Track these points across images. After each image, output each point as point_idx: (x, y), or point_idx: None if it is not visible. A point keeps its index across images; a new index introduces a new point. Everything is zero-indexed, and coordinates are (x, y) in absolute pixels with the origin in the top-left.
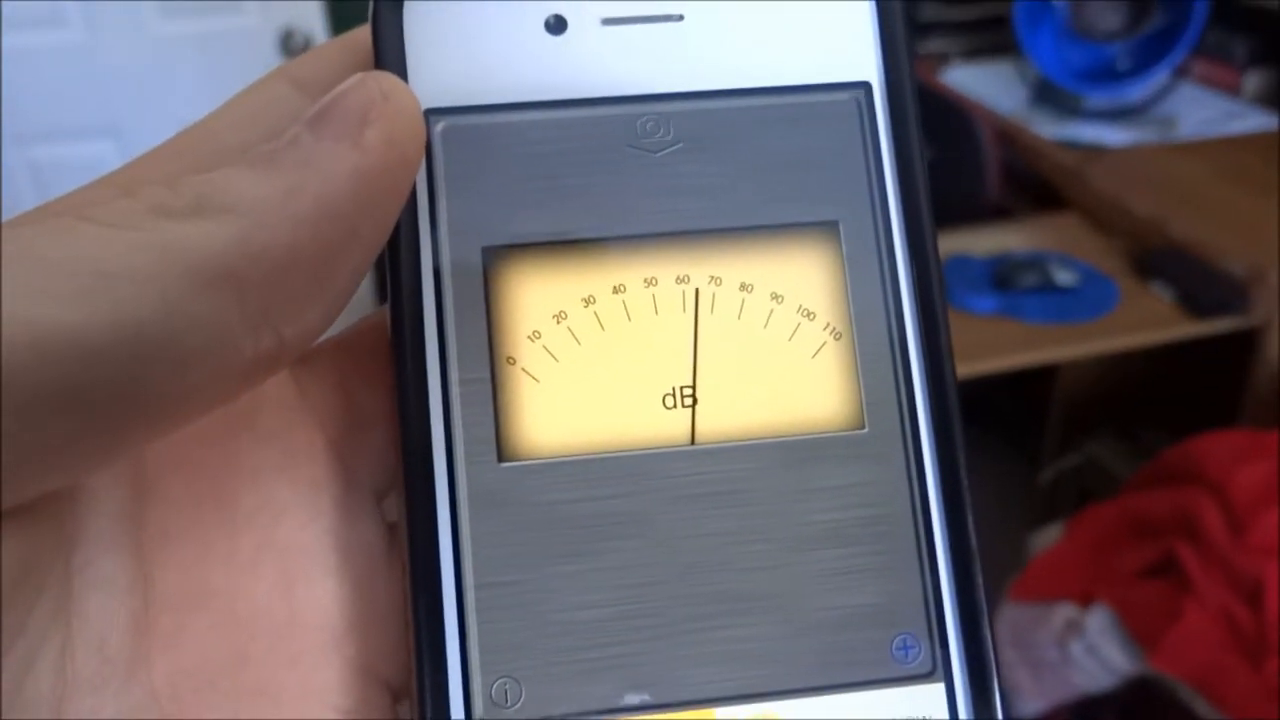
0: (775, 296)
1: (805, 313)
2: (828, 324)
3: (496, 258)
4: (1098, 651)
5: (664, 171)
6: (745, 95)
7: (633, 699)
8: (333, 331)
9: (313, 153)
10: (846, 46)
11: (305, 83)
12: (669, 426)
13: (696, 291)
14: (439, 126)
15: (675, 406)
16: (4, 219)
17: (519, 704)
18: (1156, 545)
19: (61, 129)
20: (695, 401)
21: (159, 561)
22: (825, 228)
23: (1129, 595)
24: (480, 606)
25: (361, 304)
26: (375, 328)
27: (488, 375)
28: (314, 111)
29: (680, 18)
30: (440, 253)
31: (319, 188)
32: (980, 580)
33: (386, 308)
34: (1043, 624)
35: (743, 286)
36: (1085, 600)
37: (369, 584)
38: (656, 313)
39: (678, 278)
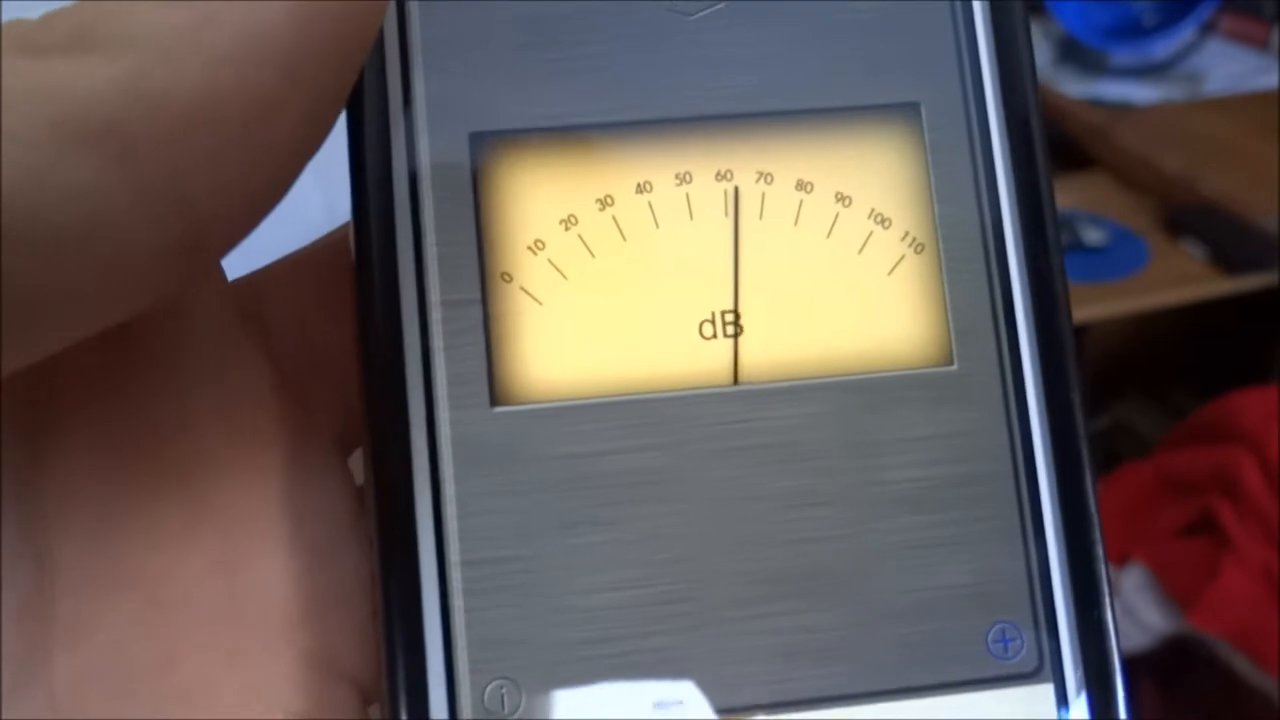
0: (841, 198)
1: (879, 218)
2: (906, 233)
3: (488, 147)
4: (1134, 611)
5: (701, 38)
6: None
7: (664, 707)
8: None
9: None
10: None
11: None
12: (707, 362)
13: (739, 190)
14: None
15: (715, 336)
16: None
17: (518, 712)
18: (1193, 503)
19: None
20: (739, 330)
21: (60, 534)
22: (903, 111)
23: (1166, 554)
24: (468, 589)
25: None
26: (339, 243)
27: (478, 296)
28: None
29: None
30: (416, 141)
31: (246, 19)
32: (1102, 555)
33: (349, 214)
34: None
35: (800, 185)
36: (1120, 560)
37: (330, 558)
38: (691, 217)
39: (718, 173)
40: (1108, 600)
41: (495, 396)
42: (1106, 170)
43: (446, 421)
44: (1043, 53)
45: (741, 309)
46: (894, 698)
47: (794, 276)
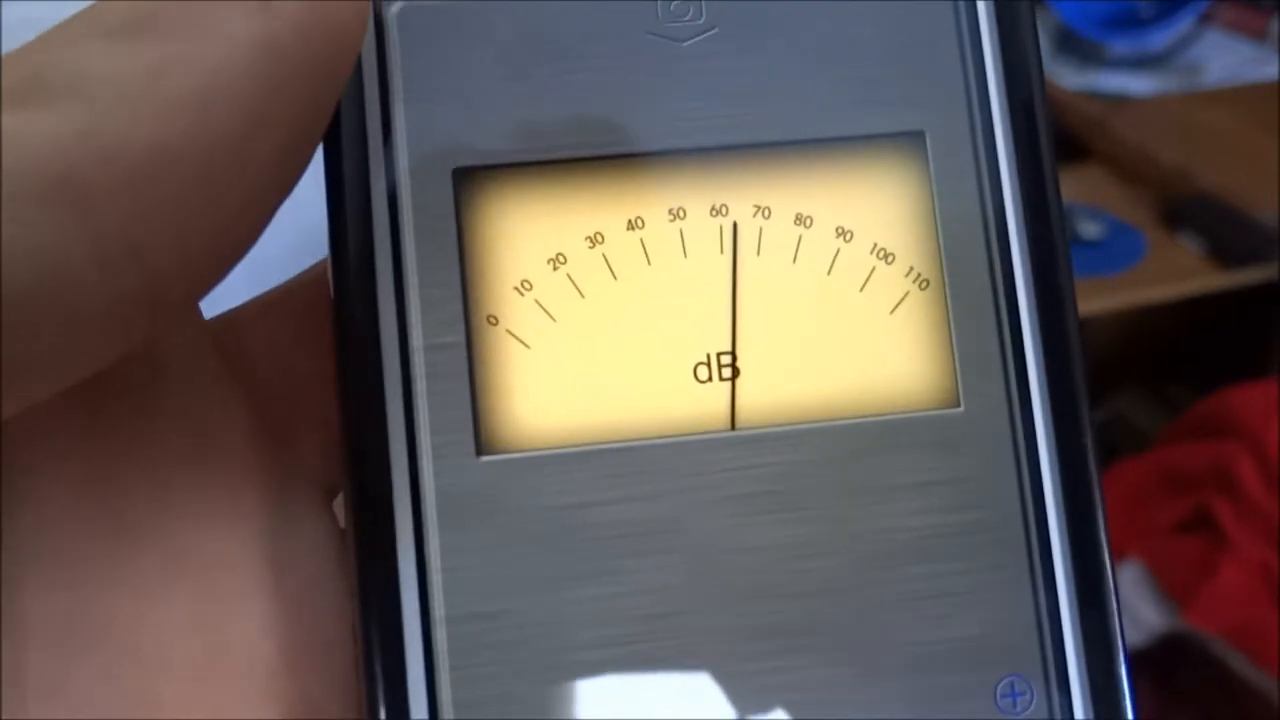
0: (842, 232)
1: (881, 253)
2: (910, 268)
3: (472, 183)
4: (1130, 607)
5: (693, 66)
6: None
7: None
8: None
9: (200, 16)
10: None
11: None
12: (702, 406)
13: (736, 226)
14: (395, 7)
15: (711, 379)
16: None
17: None
18: (1190, 500)
19: None
20: (736, 373)
21: (32, 586)
22: (907, 141)
23: (1162, 550)
24: (454, 648)
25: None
26: (319, 280)
27: (462, 339)
28: None
29: None
30: (397, 177)
31: (205, 61)
32: (1115, 606)
33: (327, 253)
34: None
35: (799, 219)
36: (1117, 556)
37: (311, 606)
38: (685, 255)
39: (713, 208)
40: (1121, 653)
41: (481, 445)
42: (1103, 162)
43: (430, 472)
44: (1040, 44)
45: (738, 350)
46: None
47: (793, 316)
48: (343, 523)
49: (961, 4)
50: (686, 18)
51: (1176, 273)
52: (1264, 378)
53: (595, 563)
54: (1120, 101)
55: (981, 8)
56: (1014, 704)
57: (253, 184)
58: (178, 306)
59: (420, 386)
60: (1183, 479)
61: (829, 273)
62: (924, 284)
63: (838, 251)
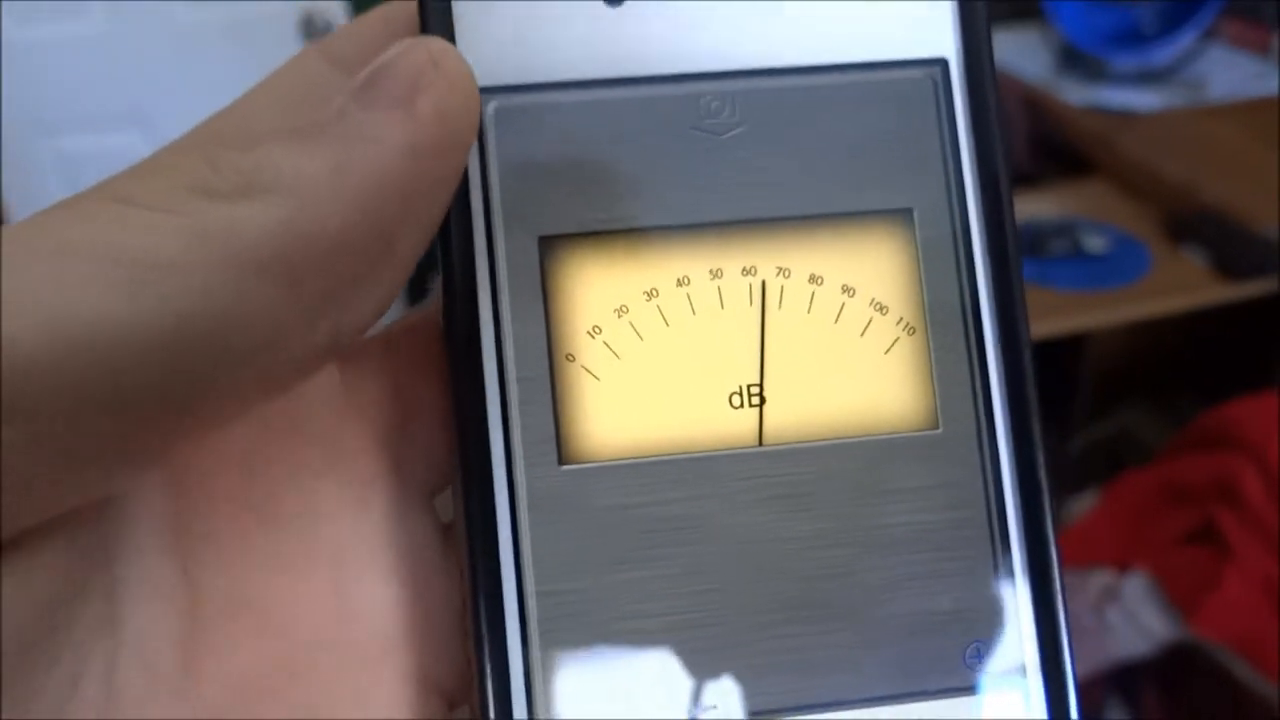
0: (846, 289)
1: (878, 306)
2: (901, 318)
3: (553, 247)
4: (1135, 618)
5: (729, 155)
6: (814, 73)
7: (701, 711)
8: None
9: (362, 125)
10: (922, 20)
11: (340, 58)
12: (736, 427)
13: (764, 284)
14: (491, 106)
15: (742, 406)
16: (33, 208)
17: (584, 717)
18: (1194, 511)
19: (88, 119)
20: (763, 401)
21: (205, 569)
22: (899, 216)
23: (1167, 561)
24: (542, 615)
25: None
26: (425, 321)
27: (546, 373)
28: (361, 80)
29: None
30: (495, 242)
31: (370, 163)
32: (1060, 589)
33: (438, 301)
34: (1079, 591)
35: (812, 279)
36: (1122, 566)
37: (424, 587)
38: (722, 306)
39: (744, 269)
40: (1064, 624)
41: (562, 456)
42: (1108, 177)
43: (523, 476)
44: (1044, 60)
45: (765, 383)
46: (886, 704)
47: (808, 355)
48: (443, 519)
49: (943, 110)
50: (723, 116)
51: (1181, 286)
52: (1269, 388)
53: (649, 550)
54: (1124, 117)
55: (960, 112)
56: (979, 662)
57: (403, 253)
58: (347, 347)
59: (515, 410)
60: (1187, 491)
61: (836, 321)
62: (911, 330)
63: (843, 305)
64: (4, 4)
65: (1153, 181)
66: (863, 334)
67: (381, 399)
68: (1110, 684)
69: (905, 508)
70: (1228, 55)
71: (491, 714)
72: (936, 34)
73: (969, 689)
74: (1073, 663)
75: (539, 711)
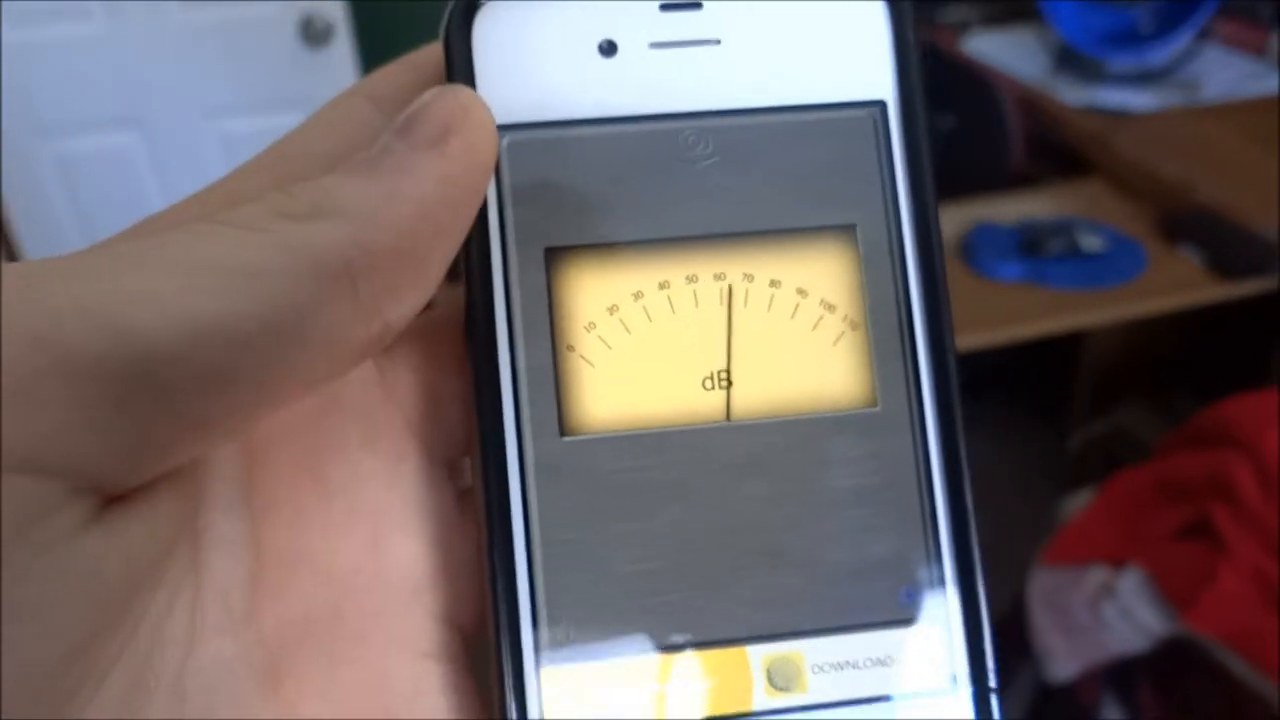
0: (800, 291)
1: (826, 306)
2: (845, 316)
3: (557, 257)
4: (1130, 614)
5: (704, 181)
6: (775, 112)
7: (677, 639)
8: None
9: (405, 159)
10: (864, 69)
11: (379, 98)
12: (708, 405)
13: (731, 287)
14: (505, 141)
15: (713, 388)
16: (32, 210)
17: (580, 644)
18: (1190, 508)
19: (87, 120)
20: (730, 384)
21: (267, 523)
22: (844, 230)
23: (1163, 558)
24: (547, 562)
25: None
26: (446, 320)
27: (550, 361)
28: (402, 121)
29: (718, 41)
30: (508, 254)
31: (413, 191)
32: (975, 540)
33: (461, 302)
34: (1075, 587)
35: (772, 283)
36: (1117, 563)
37: (446, 542)
38: (697, 306)
39: (715, 275)
40: (979, 566)
41: (564, 429)
42: (1104, 177)
43: (530, 446)
44: (1041, 61)
45: (732, 369)
46: (833, 634)
47: (768, 346)
48: (460, 486)
49: (882, 143)
50: (699, 148)
51: (1177, 285)
52: (1265, 386)
53: (636, 507)
54: (1121, 117)
55: (895, 144)
56: (910, 601)
57: (437, 263)
58: (390, 341)
59: (524, 391)
60: (1183, 487)
61: (792, 318)
62: (854, 326)
63: (798, 305)
64: (3, 5)
65: (1149, 181)
66: (814, 328)
67: (410, 385)
68: (1106, 680)
69: (849, 472)
70: (1223, 55)
71: (504, 641)
72: (877, 80)
73: (904, 622)
74: (987, 598)
75: (543, 638)
